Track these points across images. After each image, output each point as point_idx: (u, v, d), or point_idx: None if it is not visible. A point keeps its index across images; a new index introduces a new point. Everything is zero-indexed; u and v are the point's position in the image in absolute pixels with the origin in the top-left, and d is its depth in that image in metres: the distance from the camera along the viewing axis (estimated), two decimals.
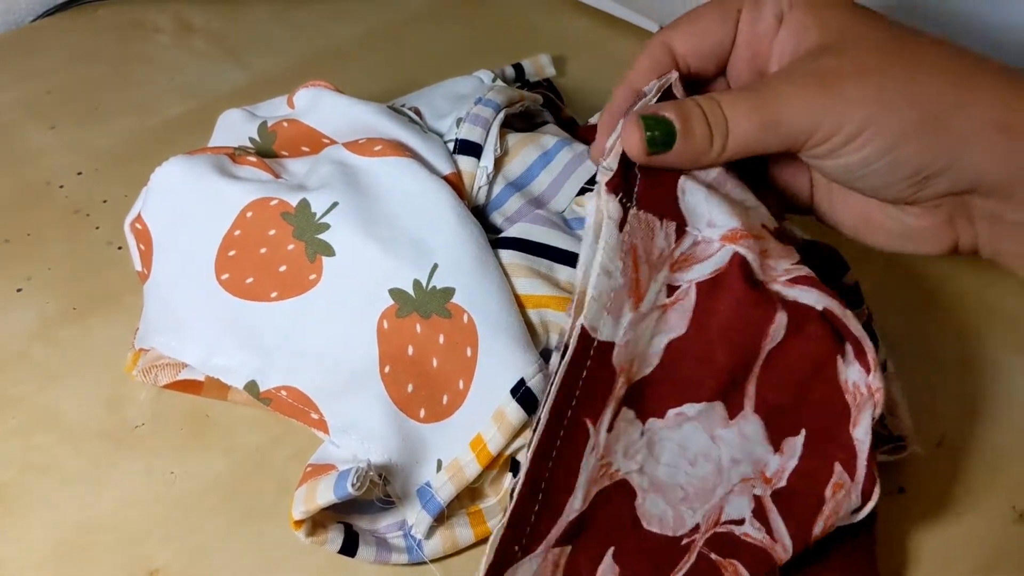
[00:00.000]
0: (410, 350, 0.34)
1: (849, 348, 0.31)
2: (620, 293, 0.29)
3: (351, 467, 0.32)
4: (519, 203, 0.38)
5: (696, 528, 0.30)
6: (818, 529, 0.30)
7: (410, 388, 0.34)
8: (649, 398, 0.30)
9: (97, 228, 0.46)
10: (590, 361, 0.29)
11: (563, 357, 0.29)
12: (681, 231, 0.31)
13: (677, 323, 0.30)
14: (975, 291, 0.45)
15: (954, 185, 0.29)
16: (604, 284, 0.29)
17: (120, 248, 0.45)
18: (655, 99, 0.31)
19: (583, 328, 0.29)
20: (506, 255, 0.36)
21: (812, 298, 0.30)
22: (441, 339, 0.34)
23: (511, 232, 0.37)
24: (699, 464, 0.30)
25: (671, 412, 0.30)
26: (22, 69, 0.56)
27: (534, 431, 0.29)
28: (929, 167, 0.28)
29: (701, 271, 0.31)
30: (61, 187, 0.48)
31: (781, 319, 0.30)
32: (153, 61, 0.57)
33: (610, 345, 0.29)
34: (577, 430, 0.29)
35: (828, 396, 0.31)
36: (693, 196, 0.31)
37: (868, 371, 0.30)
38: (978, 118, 0.28)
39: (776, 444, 0.31)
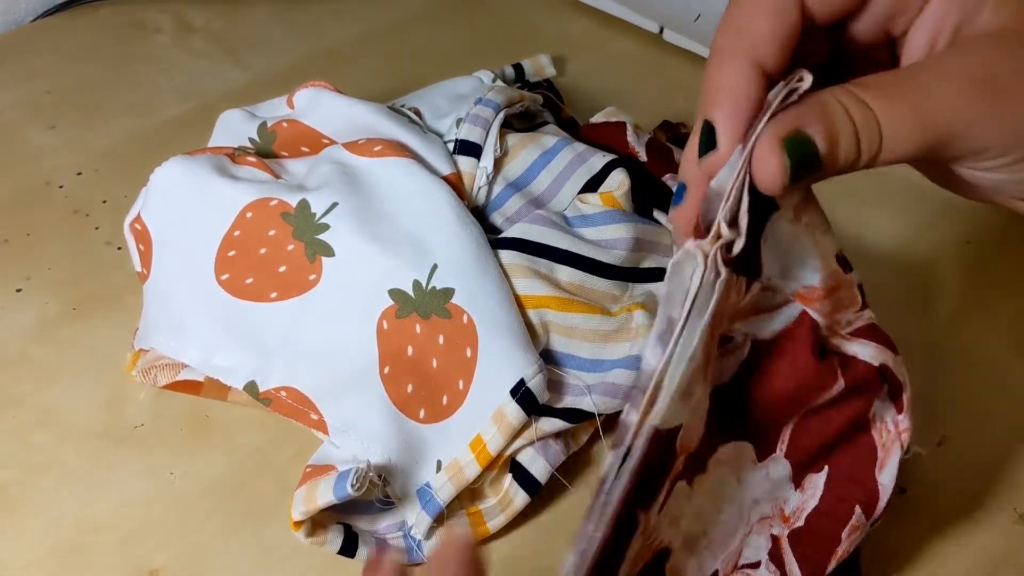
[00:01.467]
0: (410, 350, 0.34)
1: (886, 387, 0.29)
2: (697, 373, 0.24)
3: (351, 468, 0.32)
4: (519, 203, 0.38)
5: (715, 574, 0.30)
6: (830, 569, 0.29)
7: (410, 388, 0.34)
8: (696, 458, 0.27)
9: (97, 228, 0.46)
10: (655, 455, 0.24)
11: (624, 461, 0.23)
12: (752, 280, 0.26)
13: (723, 372, 0.27)
14: (975, 291, 0.45)
15: None
16: (686, 371, 0.23)
17: (120, 248, 0.45)
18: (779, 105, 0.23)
19: (655, 430, 0.23)
20: (506, 255, 0.36)
21: (870, 353, 0.28)
22: (441, 339, 0.34)
23: (511, 232, 0.37)
24: (724, 509, 0.28)
25: (710, 461, 0.28)
26: (22, 69, 0.56)
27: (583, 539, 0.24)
28: None
29: (763, 327, 0.27)
30: (61, 187, 0.48)
31: (838, 387, 0.28)
32: (153, 61, 0.57)
33: (677, 429, 0.25)
34: (629, 523, 0.25)
35: (857, 435, 0.29)
36: (775, 244, 0.26)
37: (900, 411, 0.29)
38: None
39: (798, 482, 0.30)
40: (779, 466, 0.29)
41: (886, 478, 0.29)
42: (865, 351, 0.28)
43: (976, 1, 0.23)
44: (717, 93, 0.23)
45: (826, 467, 0.29)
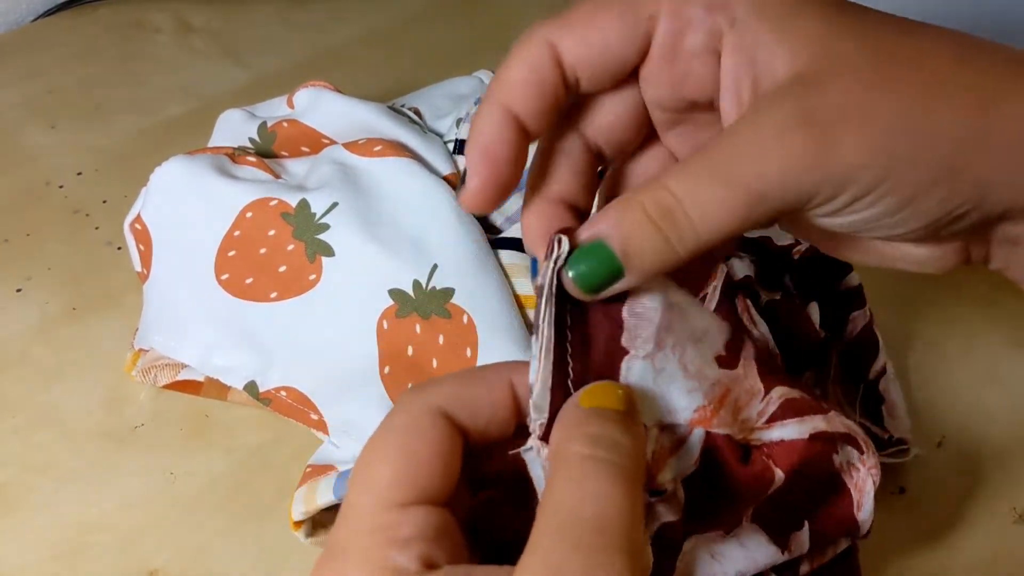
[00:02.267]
0: (410, 350, 0.34)
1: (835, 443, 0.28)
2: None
3: (351, 468, 0.32)
4: (519, 203, 0.38)
5: None
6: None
7: (410, 388, 0.34)
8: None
9: (97, 228, 0.46)
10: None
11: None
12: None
13: (664, 514, 0.26)
14: (975, 290, 0.45)
15: (982, 220, 0.23)
16: None
17: (120, 248, 0.45)
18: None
19: None
20: (506, 255, 0.36)
21: (795, 430, 0.27)
22: (441, 339, 0.34)
23: (511, 232, 0.37)
24: None
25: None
26: (22, 69, 0.56)
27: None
28: (955, 211, 0.22)
29: (684, 463, 0.26)
30: (61, 187, 0.48)
31: (778, 478, 0.26)
32: (153, 61, 0.57)
33: None
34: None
35: (825, 484, 0.28)
36: (641, 376, 0.24)
37: (861, 451, 0.28)
38: (1008, 139, 0.22)
39: (783, 544, 0.28)
40: (747, 532, 0.27)
41: (865, 514, 0.28)
42: (788, 431, 0.26)
43: (767, 54, 0.22)
44: (471, 136, 0.24)
45: (805, 523, 0.28)
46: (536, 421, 0.23)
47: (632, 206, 0.22)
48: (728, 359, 0.26)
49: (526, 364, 0.23)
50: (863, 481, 0.28)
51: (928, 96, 0.22)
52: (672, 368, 0.24)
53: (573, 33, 0.24)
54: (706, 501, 0.26)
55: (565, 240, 0.22)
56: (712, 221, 0.22)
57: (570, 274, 0.22)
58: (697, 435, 0.25)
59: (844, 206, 0.22)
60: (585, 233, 0.22)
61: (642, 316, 0.24)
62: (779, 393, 0.26)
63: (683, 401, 0.25)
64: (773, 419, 0.26)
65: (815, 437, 0.26)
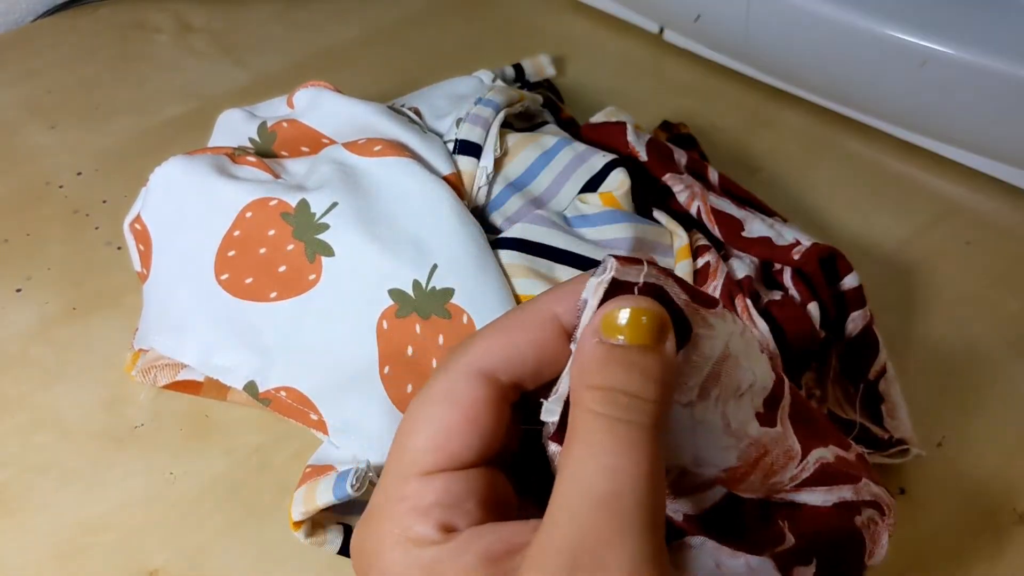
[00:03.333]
0: (410, 351, 0.34)
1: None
2: None
3: (350, 468, 0.32)
4: (519, 203, 0.38)
5: None
6: None
7: (409, 388, 0.34)
8: None
9: (97, 228, 0.46)
10: None
11: None
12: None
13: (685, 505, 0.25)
14: (975, 291, 0.45)
15: None
16: None
17: (120, 248, 0.45)
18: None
19: None
20: (506, 255, 0.36)
21: (821, 498, 0.26)
22: (441, 340, 0.34)
23: (511, 232, 0.37)
24: None
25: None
26: (22, 69, 0.56)
27: None
28: None
29: (698, 505, 0.25)
30: (61, 187, 0.48)
31: (789, 540, 0.25)
32: (153, 61, 0.57)
33: None
34: None
35: (841, 538, 0.27)
36: (677, 423, 0.23)
37: (884, 514, 0.27)
38: None
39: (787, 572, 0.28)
40: (759, 559, 0.26)
41: (877, 560, 0.27)
42: (814, 497, 0.25)
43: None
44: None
45: (814, 559, 0.26)
46: (549, 420, 0.21)
47: None
48: (766, 416, 0.24)
49: (569, 289, 0.22)
50: (880, 535, 0.27)
51: None
52: (713, 421, 0.23)
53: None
54: (720, 526, 0.25)
55: (611, 260, 0.21)
56: None
57: None
58: (718, 492, 0.24)
59: None
60: None
61: (695, 364, 0.22)
62: (816, 457, 0.25)
63: (716, 457, 0.23)
64: (806, 484, 0.25)
65: (840, 505, 0.25)
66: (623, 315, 0.20)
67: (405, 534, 0.21)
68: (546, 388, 0.22)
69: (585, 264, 0.36)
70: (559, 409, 0.21)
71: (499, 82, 0.44)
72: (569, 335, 0.22)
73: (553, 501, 0.20)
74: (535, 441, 0.23)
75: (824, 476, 0.25)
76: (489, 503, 0.22)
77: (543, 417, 0.22)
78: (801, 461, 0.25)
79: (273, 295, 0.36)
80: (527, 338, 0.22)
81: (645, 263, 0.21)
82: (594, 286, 0.21)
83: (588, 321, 0.21)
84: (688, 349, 0.22)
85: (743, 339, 0.23)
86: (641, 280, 0.21)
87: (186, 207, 0.37)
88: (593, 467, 0.19)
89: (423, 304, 0.34)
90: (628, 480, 0.19)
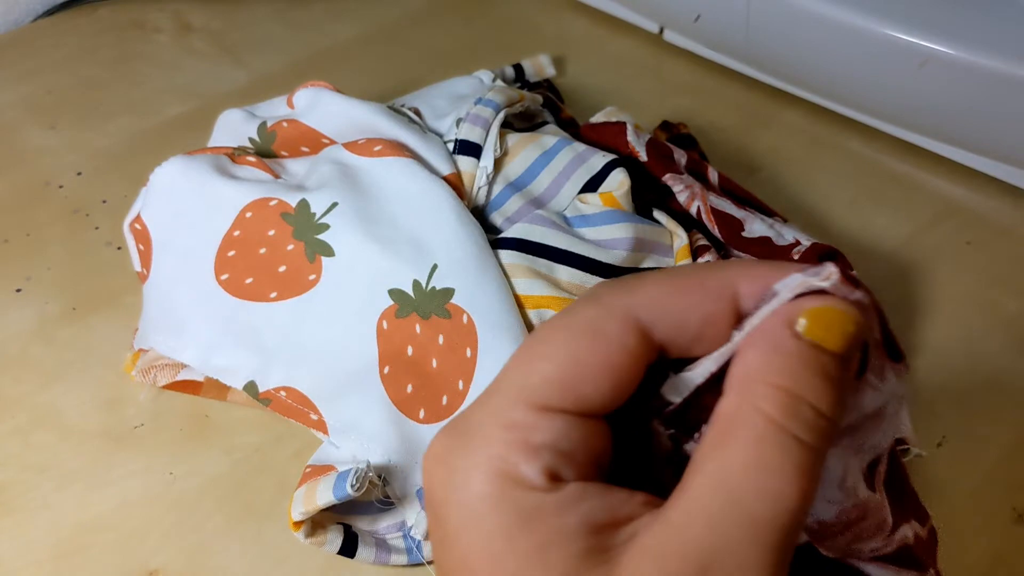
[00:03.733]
0: (409, 350, 0.34)
1: None
2: None
3: (350, 468, 0.32)
4: (519, 203, 0.38)
5: None
6: None
7: (409, 388, 0.34)
8: None
9: (97, 228, 0.46)
10: None
11: None
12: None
13: None
14: (975, 291, 0.45)
15: None
16: None
17: (120, 248, 0.45)
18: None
19: None
20: (506, 255, 0.36)
21: (888, 575, 0.24)
22: (441, 339, 0.34)
23: (511, 232, 0.37)
24: None
25: None
26: (22, 69, 0.56)
27: None
28: None
29: None
30: (61, 187, 0.48)
31: None
32: (153, 61, 0.57)
33: None
34: None
35: None
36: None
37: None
38: None
39: None
40: None
41: None
42: (884, 573, 0.24)
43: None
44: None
45: None
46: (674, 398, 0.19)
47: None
48: (867, 478, 0.22)
49: (761, 273, 0.19)
50: None
51: None
52: (834, 471, 0.21)
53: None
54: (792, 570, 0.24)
55: (833, 269, 0.18)
56: None
57: None
58: (801, 538, 0.22)
59: None
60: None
61: (847, 408, 0.20)
62: (901, 535, 0.23)
63: (818, 508, 0.22)
64: (885, 559, 0.23)
65: None
66: (832, 316, 0.18)
67: (506, 468, 0.18)
68: (678, 363, 0.20)
69: (585, 264, 0.36)
70: (687, 391, 0.19)
71: (499, 82, 0.44)
72: (739, 320, 0.19)
73: (688, 496, 0.17)
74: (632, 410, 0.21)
75: (901, 556, 0.24)
76: (599, 463, 0.19)
77: (666, 393, 0.20)
78: (889, 535, 0.23)
79: (273, 295, 0.36)
80: (698, 304, 0.19)
81: (862, 291, 0.19)
82: (798, 282, 0.18)
83: (780, 309, 0.18)
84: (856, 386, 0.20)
85: (899, 404, 0.21)
86: (853, 296, 0.18)
87: (186, 207, 0.37)
88: (754, 484, 0.17)
89: (423, 304, 0.34)
90: (787, 514, 0.17)
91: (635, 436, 0.21)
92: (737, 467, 0.17)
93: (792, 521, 0.17)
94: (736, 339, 0.19)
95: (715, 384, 0.19)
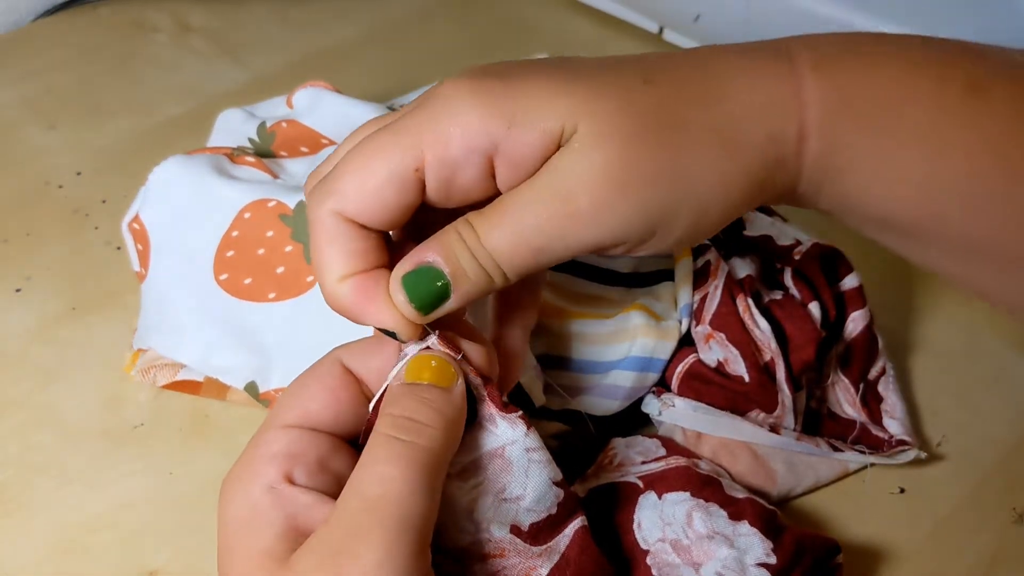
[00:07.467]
0: None
1: None
2: None
3: None
4: None
5: None
6: None
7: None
8: None
9: (96, 228, 0.46)
10: None
11: None
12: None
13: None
14: None
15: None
16: None
17: (119, 248, 0.45)
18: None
19: None
20: None
21: None
22: None
23: None
24: None
25: None
26: (22, 69, 0.56)
27: None
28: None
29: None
30: (60, 187, 0.48)
31: None
32: (152, 61, 0.57)
33: None
34: None
35: None
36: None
37: None
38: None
39: None
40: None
41: None
42: None
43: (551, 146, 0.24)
44: None
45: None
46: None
47: (451, 235, 0.24)
48: (529, 535, 0.27)
49: (377, 346, 0.27)
50: None
51: (680, 149, 0.24)
52: (460, 502, 0.26)
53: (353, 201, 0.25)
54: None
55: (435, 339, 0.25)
56: (512, 260, 0.24)
57: (400, 297, 0.24)
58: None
59: (634, 248, 0.25)
60: (415, 258, 0.24)
61: (467, 445, 0.25)
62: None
63: (452, 533, 0.26)
64: None
65: None
66: (420, 361, 0.25)
67: (253, 471, 0.25)
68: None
69: (585, 270, 0.36)
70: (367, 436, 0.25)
71: None
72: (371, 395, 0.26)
73: (335, 505, 0.23)
74: None
75: None
76: (331, 469, 0.25)
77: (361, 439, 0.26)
78: None
79: (272, 296, 0.36)
80: (376, 347, 0.27)
81: (458, 353, 0.25)
82: (416, 348, 0.25)
83: (398, 371, 0.25)
84: (472, 429, 0.25)
85: (527, 455, 0.26)
86: (442, 350, 0.25)
87: (185, 207, 0.37)
88: (369, 474, 0.23)
89: None
90: (394, 487, 0.22)
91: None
92: (361, 467, 0.23)
93: (403, 494, 0.22)
94: (390, 376, 0.25)
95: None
